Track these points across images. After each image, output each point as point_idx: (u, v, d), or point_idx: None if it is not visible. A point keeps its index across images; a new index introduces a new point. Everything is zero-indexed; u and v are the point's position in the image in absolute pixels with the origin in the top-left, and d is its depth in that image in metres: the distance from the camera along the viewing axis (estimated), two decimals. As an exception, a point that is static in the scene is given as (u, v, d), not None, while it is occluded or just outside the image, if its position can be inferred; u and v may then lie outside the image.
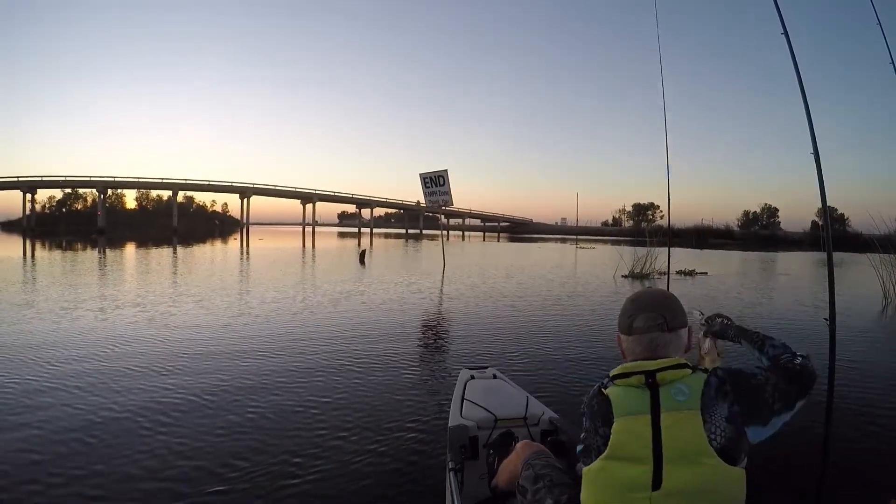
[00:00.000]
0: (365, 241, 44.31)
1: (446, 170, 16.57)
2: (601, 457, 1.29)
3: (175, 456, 3.29)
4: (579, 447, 1.41)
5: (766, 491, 1.32)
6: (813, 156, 3.16)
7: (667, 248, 18.77)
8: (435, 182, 16.75)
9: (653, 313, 1.42)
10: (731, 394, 1.30)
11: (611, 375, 1.38)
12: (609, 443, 1.28)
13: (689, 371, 1.32)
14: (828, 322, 3.12)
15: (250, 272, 15.93)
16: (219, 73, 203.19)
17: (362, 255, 20.47)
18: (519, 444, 1.95)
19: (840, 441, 3.38)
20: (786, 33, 3.40)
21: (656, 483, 1.23)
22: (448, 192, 16.59)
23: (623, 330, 1.47)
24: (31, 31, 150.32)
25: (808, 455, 3.09)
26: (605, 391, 1.35)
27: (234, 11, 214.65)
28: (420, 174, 17.01)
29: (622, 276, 15.19)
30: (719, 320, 1.93)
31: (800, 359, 1.49)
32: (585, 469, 1.34)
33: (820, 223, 76.92)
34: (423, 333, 7.35)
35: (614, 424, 1.29)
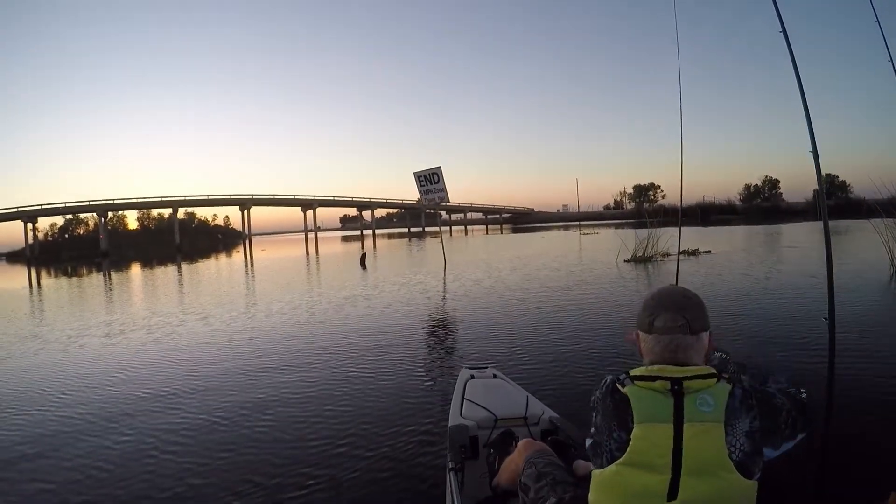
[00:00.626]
0: (368, 243, 44.31)
1: (440, 167, 16.45)
2: (616, 462, 1.25)
3: (184, 465, 3.39)
4: (588, 441, 1.37)
5: (766, 488, 1.30)
6: (811, 154, 3.10)
7: (669, 229, 18.67)
8: (429, 180, 16.64)
9: (674, 314, 1.34)
10: (755, 408, 1.28)
11: (631, 374, 1.31)
12: (627, 449, 1.24)
13: (715, 380, 1.27)
14: (826, 320, 3.07)
15: (251, 285, 15.94)
16: (214, 86, 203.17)
17: (363, 258, 20.46)
18: (521, 443, 1.94)
19: (840, 435, 3.31)
20: (784, 31, 3.37)
21: (672, 493, 1.21)
22: (443, 189, 16.47)
23: (643, 328, 1.40)
24: (25, 52, 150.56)
25: (807, 450, 3.04)
26: (623, 390, 1.28)
27: (231, 15, 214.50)
28: (414, 173, 16.89)
29: (624, 261, 15.08)
30: (718, 354, 1.88)
31: (804, 394, 1.46)
32: (596, 471, 1.30)
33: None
34: (423, 334, 7.32)
35: (634, 430, 1.23)
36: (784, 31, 3.39)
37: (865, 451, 3.31)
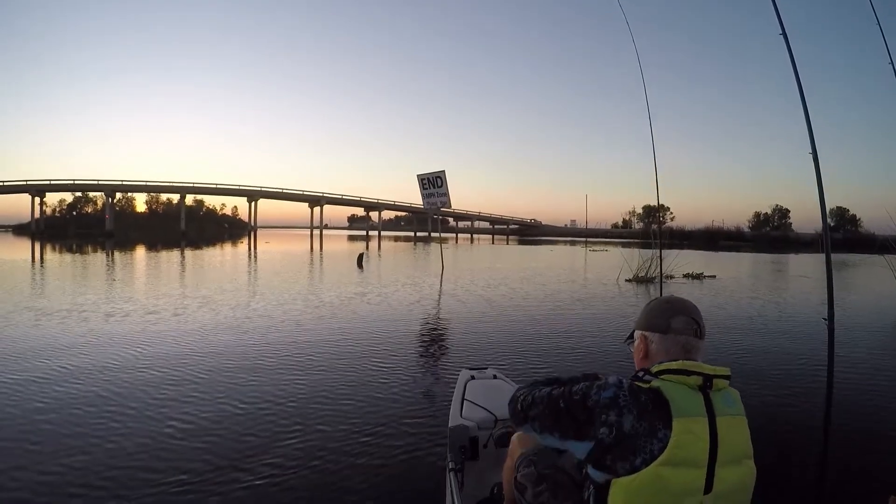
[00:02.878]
0: (372, 244, 44.20)
1: (444, 170, 16.15)
2: (656, 462, 1.17)
3: (176, 455, 3.30)
4: (587, 445, 1.25)
5: (766, 490, 1.43)
6: (811, 155, 3.17)
7: (675, 251, 18.38)
8: (433, 183, 16.32)
9: (689, 317, 1.39)
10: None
11: (655, 370, 1.29)
12: (668, 446, 1.18)
13: (728, 381, 1.32)
14: (826, 321, 3.20)
15: (249, 279, 15.65)
16: (232, 77, 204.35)
17: (360, 258, 20.27)
18: (515, 436, 1.86)
19: (840, 439, 3.43)
20: (784, 34, 3.40)
21: (707, 486, 1.21)
22: (446, 194, 16.14)
23: (658, 328, 1.40)
24: (39, 35, 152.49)
25: (808, 453, 3.12)
26: (650, 385, 1.25)
27: (242, 14, 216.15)
28: (418, 175, 16.63)
29: (626, 281, 14.69)
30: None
31: None
32: (623, 479, 1.19)
33: (832, 224, 76.36)
34: (420, 336, 7.23)
35: (674, 425, 1.19)
36: (784, 34, 3.42)
37: (864, 453, 3.36)
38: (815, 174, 3.17)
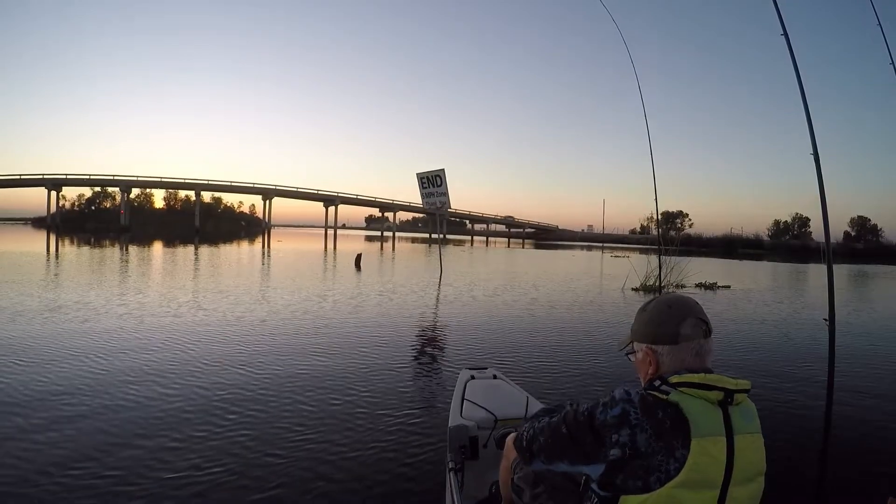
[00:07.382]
0: (387, 245, 44.05)
1: (443, 169, 15.65)
2: (671, 484, 1.11)
3: (169, 457, 3.24)
4: (597, 468, 1.19)
5: (766, 491, 1.25)
6: (812, 156, 3.20)
7: (691, 258, 17.59)
8: (432, 182, 15.80)
9: (695, 318, 1.28)
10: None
11: (672, 381, 1.19)
12: (685, 468, 1.11)
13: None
14: (827, 322, 3.15)
15: (251, 276, 15.34)
16: (248, 80, 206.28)
17: (358, 259, 20.00)
18: (510, 437, 1.73)
19: (839, 441, 3.41)
20: (785, 34, 3.41)
21: None
22: (446, 193, 15.60)
23: (665, 340, 1.28)
24: (58, 31, 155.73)
25: (807, 454, 3.14)
26: (668, 398, 1.16)
27: (262, 17, 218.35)
28: (417, 174, 16.17)
29: (632, 290, 13.88)
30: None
31: None
32: (636, 497, 1.13)
33: (852, 234, 74.87)
34: (417, 336, 7.22)
35: (693, 446, 1.12)
36: (785, 34, 3.41)
37: (864, 455, 3.37)
38: (817, 176, 3.15)
